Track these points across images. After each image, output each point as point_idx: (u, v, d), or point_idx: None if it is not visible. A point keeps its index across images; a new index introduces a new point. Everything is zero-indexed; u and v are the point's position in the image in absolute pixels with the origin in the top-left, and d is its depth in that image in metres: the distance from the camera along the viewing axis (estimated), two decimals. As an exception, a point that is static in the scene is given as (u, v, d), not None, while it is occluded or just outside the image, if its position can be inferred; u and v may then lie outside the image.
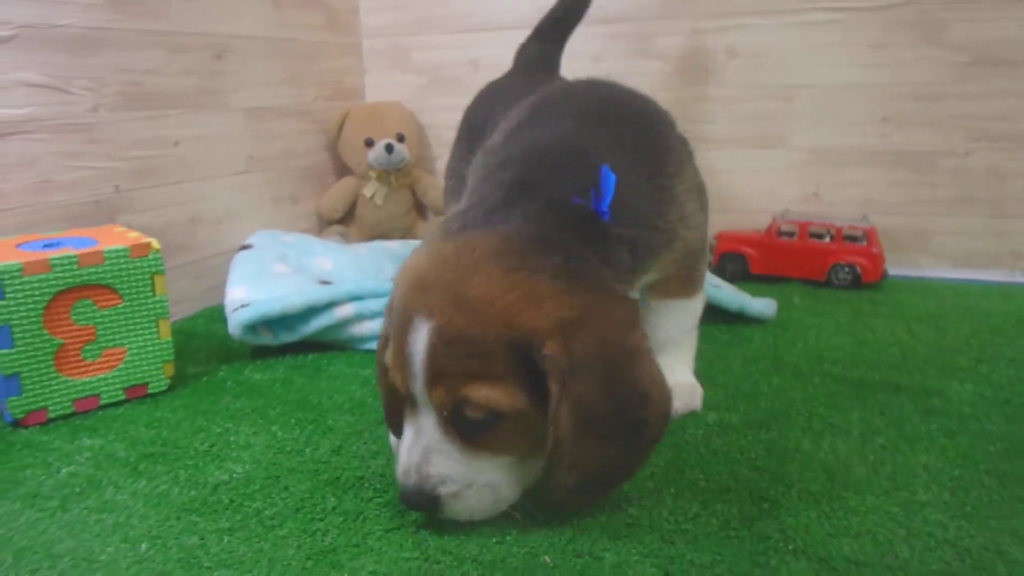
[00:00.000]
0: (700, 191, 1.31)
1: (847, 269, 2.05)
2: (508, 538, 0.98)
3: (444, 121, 2.65)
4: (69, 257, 1.34)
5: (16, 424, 1.34)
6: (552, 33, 1.97)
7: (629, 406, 0.94)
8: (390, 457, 1.19)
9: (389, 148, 2.45)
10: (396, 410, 1.06)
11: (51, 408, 1.36)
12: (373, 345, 1.64)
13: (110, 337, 1.41)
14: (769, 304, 1.79)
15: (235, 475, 1.16)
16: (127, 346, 1.43)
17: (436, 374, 0.92)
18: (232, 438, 1.28)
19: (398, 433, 1.06)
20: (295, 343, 1.68)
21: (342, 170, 2.60)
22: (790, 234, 2.13)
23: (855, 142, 2.22)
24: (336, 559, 0.95)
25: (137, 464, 1.20)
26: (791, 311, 1.85)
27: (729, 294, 1.79)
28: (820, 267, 2.08)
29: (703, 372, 1.48)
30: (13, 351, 1.31)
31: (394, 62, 2.69)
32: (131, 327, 1.43)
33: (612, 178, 1.07)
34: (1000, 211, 2.11)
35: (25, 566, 0.95)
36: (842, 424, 1.26)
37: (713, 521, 1.00)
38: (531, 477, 1.00)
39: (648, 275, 1.23)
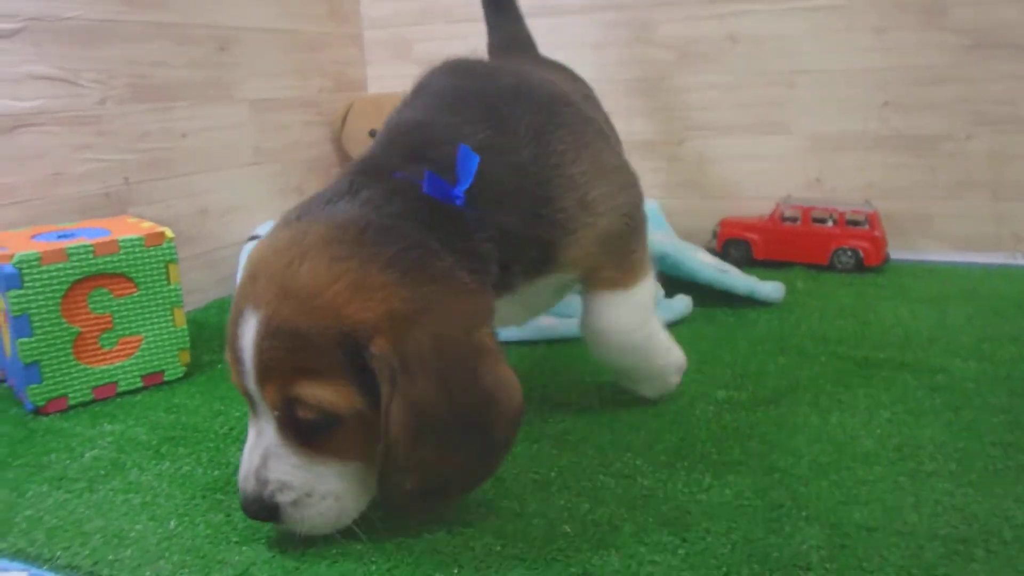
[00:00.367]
0: (616, 172, 1.17)
1: (850, 253, 2.07)
2: (528, 510, 1.00)
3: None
4: (85, 246, 1.36)
5: (37, 412, 1.36)
6: (494, 13, 1.82)
7: (472, 409, 0.88)
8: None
9: (393, 139, 2.45)
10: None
11: (71, 396, 1.38)
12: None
13: (127, 325, 1.44)
14: (777, 287, 1.82)
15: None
16: (143, 334, 1.45)
17: (265, 370, 0.86)
18: (250, 421, 1.30)
19: None
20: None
21: (347, 162, 2.62)
22: (793, 219, 2.15)
23: (857, 127, 2.24)
24: (354, 532, 0.96)
25: (159, 447, 1.23)
26: (795, 294, 1.87)
27: (738, 278, 1.81)
28: (823, 251, 2.10)
29: (709, 353, 1.51)
30: (33, 340, 1.33)
31: (396, 53, 2.71)
32: (147, 315, 1.45)
33: (473, 159, 0.97)
34: (1001, 194, 2.13)
35: (58, 543, 0.97)
36: (848, 400, 1.28)
37: (727, 491, 1.03)
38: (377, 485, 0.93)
39: (556, 273, 1.13)
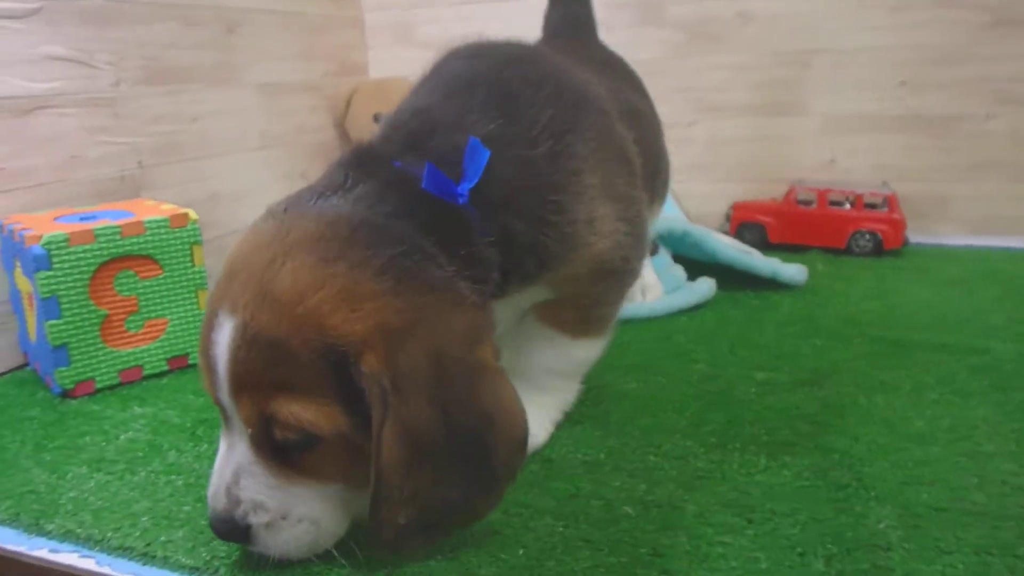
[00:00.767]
0: (623, 201, 1.05)
1: (868, 236, 2.06)
2: (583, 491, 0.99)
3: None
4: (112, 228, 1.34)
5: (65, 395, 1.34)
6: None
7: (471, 434, 0.79)
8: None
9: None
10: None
11: (98, 379, 1.36)
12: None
13: (152, 308, 1.41)
14: (800, 270, 1.80)
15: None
16: (168, 317, 1.43)
17: (240, 383, 0.78)
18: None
19: None
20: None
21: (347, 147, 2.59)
22: (808, 202, 2.13)
23: (873, 107, 2.22)
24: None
25: (194, 429, 1.20)
26: (816, 277, 1.85)
27: (760, 260, 1.79)
28: (840, 234, 2.09)
29: (739, 335, 1.49)
30: (61, 322, 1.30)
31: (398, 37, 2.67)
32: (172, 298, 1.43)
33: (483, 155, 0.89)
34: (1022, 176, 2.12)
35: (107, 525, 0.95)
36: (891, 381, 1.27)
37: (785, 472, 1.01)
38: (361, 509, 0.83)
39: (536, 287, 1.02)
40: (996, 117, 2.11)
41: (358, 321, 0.75)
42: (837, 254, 2.07)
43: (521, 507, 0.96)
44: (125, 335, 1.38)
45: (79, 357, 1.33)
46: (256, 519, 0.82)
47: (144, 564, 0.89)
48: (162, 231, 1.39)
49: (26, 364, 1.50)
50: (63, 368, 1.32)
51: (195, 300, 1.45)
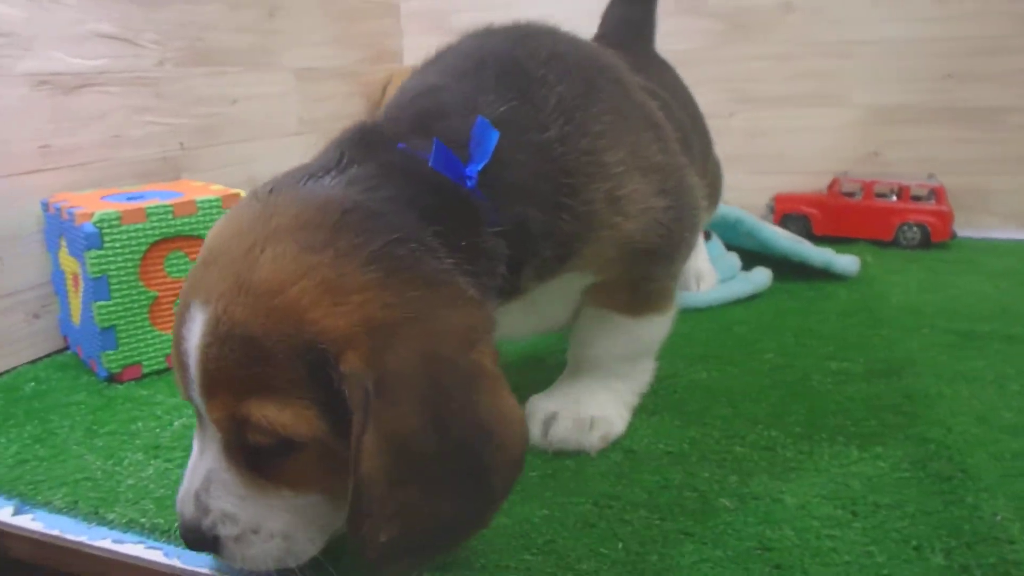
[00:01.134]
0: (660, 172, 0.98)
1: (916, 228, 2.01)
2: (673, 482, 0.95)
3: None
4: (164, 207, 1.29)
5: (111, 379, 1.30)
6: None
7: (464, 446, 0.71)
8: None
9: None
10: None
11: (146, 363, 1.32)
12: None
13: (201, 291, 1.37)
14: (854, 261, 1.76)
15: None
16: (217, 301, 1.39)
17: (211, 382, 0.71)
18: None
19: None
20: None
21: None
22: (852, 194, 2.09)
23: (917, 99, 2.18)
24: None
25: (253, 416, 1.16)
26: (867, 269, 1.81)
27: (814, 250, 1.75)
28: (887, 226, 2.04)
29: (800, 325, 1.45)
30: (111, 303, 1.26)
31: (433, 24, 2.63)
32: (221, 281, 1.38)
33: (491, 135, 0.82)
34: (1072, 169, 2.08)
35: (171, 514, 0.90)
36: (971, 372, 1.23)
37: (880, 464, 0.97)
38: (340, 522, 0.77)
39: (572, 274, 0.97)
40: (1047, 109, 2.07)
41: (341, 316, 0.68)
42: (883, 246, 2.02)
43: (611, 499, 0.91)
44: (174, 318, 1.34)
45: (127, 340, 1.29)
46: (225, 531, 0.75)
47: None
48: (214, 211, 1.35)
49: (66, 348, 1.46)
50: (110, 351, 1.28)
51: (244, 284, 1.41)
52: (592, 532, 0.85)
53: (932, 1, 2.11)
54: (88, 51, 1.51)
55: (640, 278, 1.01)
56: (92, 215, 1.23)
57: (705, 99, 2.35)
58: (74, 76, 1.48)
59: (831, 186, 2.12)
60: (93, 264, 1.23)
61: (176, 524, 0.83)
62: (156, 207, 1.28)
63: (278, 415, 0.68)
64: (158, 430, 1.13)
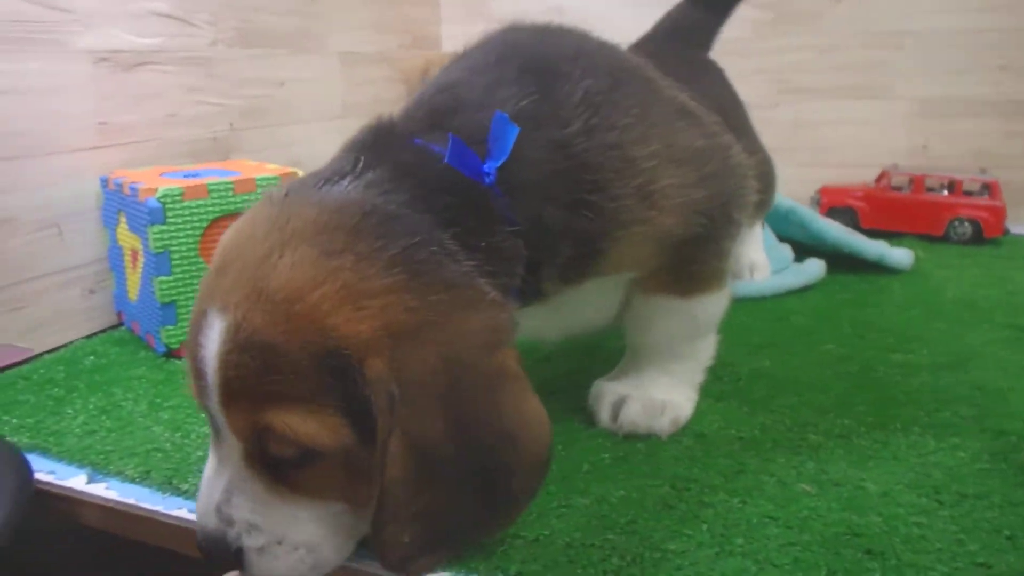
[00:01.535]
0: (699, 158, 0.94)
1: (967, 223, 1.99)
2: (749, 467, 0.93)
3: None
4: (225, 183, 1.29)
5: (169, 354, 1.30)
6: None
7: (488, 450, 0.71)
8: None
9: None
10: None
11: (204, 340, 1.31)
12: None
13: (258, 270, 1.36)
14: (907, 254, 1.74)
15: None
16: (273, 280, 1.38)
17: (231, 392, 0.69)
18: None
19: None
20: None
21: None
22: (901, 187, 2.06)
23: (968, 92, 2.15)
24: (572, 484, 0.90)
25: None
26: (919, 263, 1.78)
27: (867, 242, 1.73)
28: (938, 221, 2.01)
29: (855, 316, 1.44)
30: (171, 279, 1.26)
31: (471, 11, 2.61)
32: (278, 260, 1.38)
33: (511, 131, 0.80)
34: None
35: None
36: (1037, 366, 1.21)
37: (959, 454, 0.95)
38: (365, 529, 0.75)
39: (602, 271, 0.93)
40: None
41: (363, 321, 0.67)
42: (933, 241, 2.00)
43: (688, 482, 0.90)
44: (232, 296, 1.34)
45: (186, 316, 1.27)
46: (249, 541, 0.73)
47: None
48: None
49: (119, 324, 1.46)
50: (170, 327, 1.28)
51: (300, 264, 1.40)
52: (673, 513, 0.84)
53: (985, -9, 2.09)
54: (145, 29, 1.51)
55: (686, 261, 0.98)
56: (156, 190, 1.23)
57: (749, 89, 2.33)
58: (132, 54, 1.48)
59: (880, 179, 2.09)
60: (156, 239, 1.23)
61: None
62: (217, 184, 1.28)
63: (302, 424, 0.67)
64: (220, 406, 1.13)
